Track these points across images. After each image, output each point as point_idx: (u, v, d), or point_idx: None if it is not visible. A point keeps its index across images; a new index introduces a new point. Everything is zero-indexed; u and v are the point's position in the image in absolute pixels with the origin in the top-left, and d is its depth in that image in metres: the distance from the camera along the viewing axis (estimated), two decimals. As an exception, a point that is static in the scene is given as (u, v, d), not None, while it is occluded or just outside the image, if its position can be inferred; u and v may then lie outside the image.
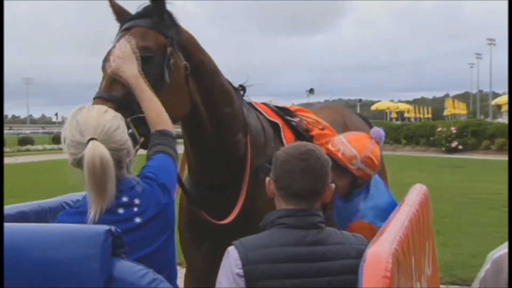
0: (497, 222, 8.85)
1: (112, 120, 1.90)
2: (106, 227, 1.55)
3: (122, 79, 2.29)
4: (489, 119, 42.93)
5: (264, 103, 3.29)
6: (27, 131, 55.28)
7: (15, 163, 22.24)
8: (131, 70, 2.28)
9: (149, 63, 2.39)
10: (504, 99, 45.14)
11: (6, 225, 1.60)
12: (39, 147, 35.36)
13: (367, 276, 1.55)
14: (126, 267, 1.54)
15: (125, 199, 1.85)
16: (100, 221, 1.78)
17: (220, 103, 2.73)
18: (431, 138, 28.56)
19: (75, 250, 1.50)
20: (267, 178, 2.00)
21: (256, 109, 3.10)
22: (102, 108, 1.98)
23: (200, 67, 2.63)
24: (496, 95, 66.75)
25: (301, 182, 1.88)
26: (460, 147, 26.74)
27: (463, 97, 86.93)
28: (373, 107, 63.11)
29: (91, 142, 1.79)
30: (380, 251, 1.63)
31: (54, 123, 71.46)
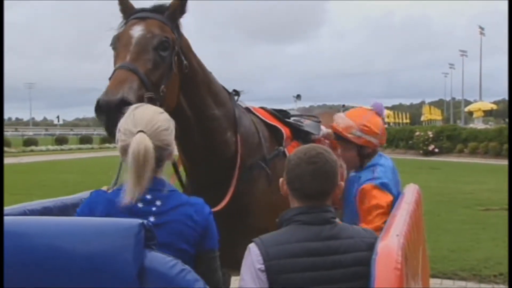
0: (471, 220, 8.94)
1: (164, 121, 1.92)
2: (139, 220, 1.56)
3: None
4: (461, 124, 43.26)
5: (262, 107, 3.32)
6: (31, 133, 54.79)
7: (20, 163, 22.07)
8: None
9: (167, 50, 2.40)
10: (475, 106, 45.70)
11: (48, 218, 1.60)
12: (43, 147, 35.08)
13: (379, 268, 1.57)
14: (157, 258, 1.54)
15: (148, 196, 1.83)
16: (119, 208, 1.77)
17: (205, 104, 2.70)
18: (410, 142, 28.69)
19: (111, 242, 1.51)
20: (281, 179, 2.01)
21: (253, 113, 3.11)
22: (159, 109, 1.99)
23: (191, 70, 2.61)
24: (467, 102, 67.46)
25: (312, 184, 1.89)
26: (436, 150, 26.90)
27: (438, 104, 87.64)
28: (355, 112, 63.05)
29: (139, 134, 1.82)
30: (391, 244, 1.66)
31: (56, 125, 70.84)
